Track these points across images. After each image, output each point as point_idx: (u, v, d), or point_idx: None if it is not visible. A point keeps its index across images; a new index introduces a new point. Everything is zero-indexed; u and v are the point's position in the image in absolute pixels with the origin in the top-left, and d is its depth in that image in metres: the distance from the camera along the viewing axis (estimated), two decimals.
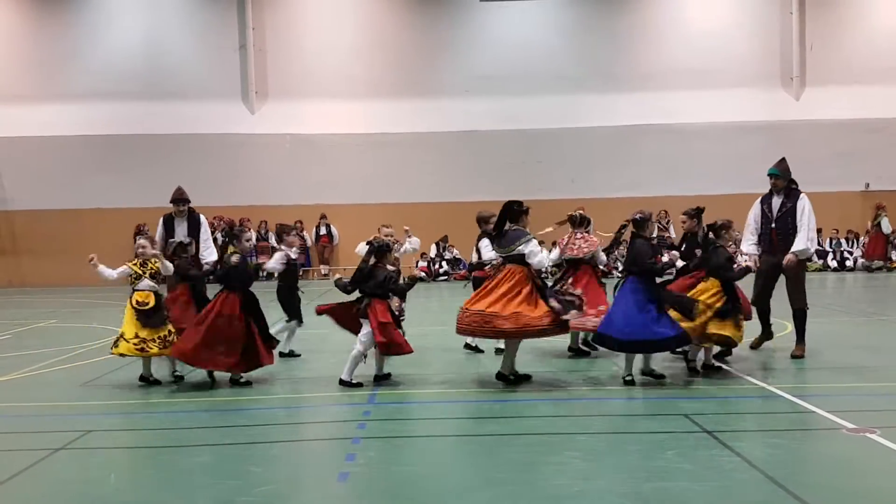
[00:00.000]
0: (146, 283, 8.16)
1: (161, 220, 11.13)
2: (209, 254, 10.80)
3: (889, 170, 23.48)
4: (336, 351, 9.65)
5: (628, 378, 7.57)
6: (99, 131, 23.50)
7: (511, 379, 7.71)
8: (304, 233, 23.76)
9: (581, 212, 9.43)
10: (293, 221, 23.70)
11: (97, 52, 23.96)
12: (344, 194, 23.21)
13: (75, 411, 7.19)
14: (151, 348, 7.93)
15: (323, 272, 23.83)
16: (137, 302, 8.05)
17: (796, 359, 8.75)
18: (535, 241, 7.59)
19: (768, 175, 9.33)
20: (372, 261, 7.83)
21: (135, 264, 8.20)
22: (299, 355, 9.63)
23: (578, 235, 9.18)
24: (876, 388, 7.38)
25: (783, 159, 9.46)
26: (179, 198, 11.25)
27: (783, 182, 9.21)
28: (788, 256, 8.80)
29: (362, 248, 8.21)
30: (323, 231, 23.64)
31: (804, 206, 9.00)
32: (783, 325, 11.31)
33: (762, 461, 5.13)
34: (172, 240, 10.58)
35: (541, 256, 7.61)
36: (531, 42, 24.16)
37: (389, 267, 7.96)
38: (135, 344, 7.90)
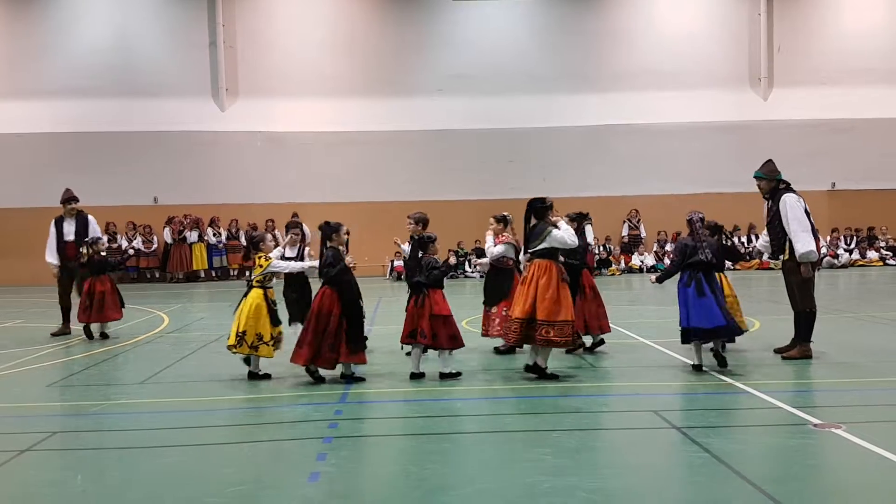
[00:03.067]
0: (274, 279, 8.12)
1: (53, 221, 11.91)
2: (94, 242, 11.60)
3: (855, 170, 23.91)
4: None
5: (698, 364, 8.08)
6: (67, 129, 23.22)
7: (548, 374, 7.80)
8: (276, 231, 23.64)
9: (506, 213, 9.53)
10: (264, 220, 23.62)
11: (65, 48, 23.64)
12: (316, 193, 23.14)
13: (41, 412, 7.09)
14: (279, 346, 7.98)
15: None
16: (273, 301, 7.99)
17: (789, 360, 8.55)
18: (556, 230, 7.75)
19: (754, 178, 8.96)
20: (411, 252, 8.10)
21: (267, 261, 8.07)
22: None
23: (502, 236, 9.29)
24: (842, 384, 7.50)
25: (769, 161, 9.01)
26: (72, 197, 12.01)
27: (767, 184, 8.83)
28: (803, 268, 8.50)
29: (406, 248, 8.52)
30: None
31: (786, 206, 8.55)
32: (751, 321, 11.47)
33: (730, 457, 5.19)
34: (89, 238, 10.83)
35: (569, 239, 7.76)
36: (503, 42, 24.25)
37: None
38: (271, 344, 7.89)
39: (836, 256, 23.67)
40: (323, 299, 7.70)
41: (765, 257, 21.79)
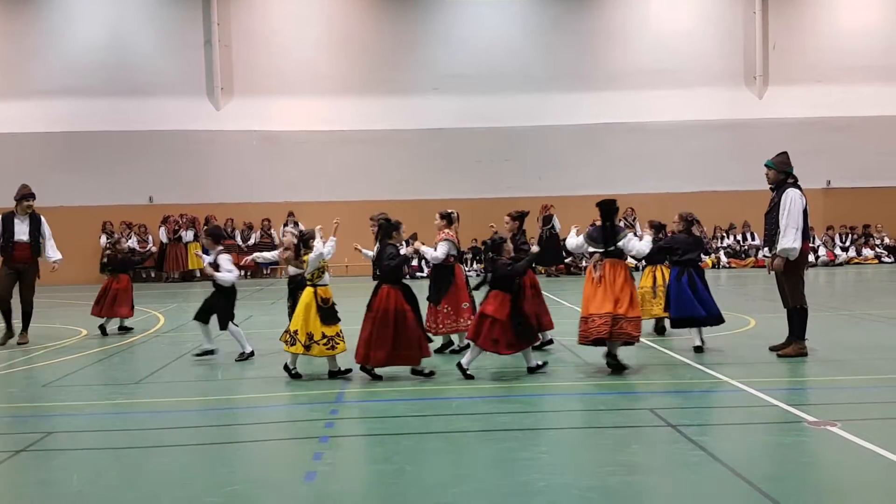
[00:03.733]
0: (327, 276, 8.03)
1: (0, 217, 10.93)
2: (54, 252, 11.00)
3: (850, 168, 23.95)
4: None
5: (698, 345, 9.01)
6: (61, 128, 23.16)
7: (624, 365, 8.06)
8: (272, 230, 23.63)
9: (451, 211, 9.61)
10: (260, 219, 23.59)
11: (59, 48, 23.58)
12: (311, 192, 23.11)
13: (37, 412, 7.08)
14: (339, 344, 7.83)
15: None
16: (323, 299, 7.87)
17: (785, 357, 8.57)
18: (630, 234, 8.34)
19: (765, 165, 8.97)
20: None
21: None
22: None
23: (443, 234, 9.34)
24: (837, 382, 7.51)
25: (783, 153, 8.95)
26: (31, 194, 11.01)
27: (774, 174, 8.80)
28: (776, 261, 8.58)
29: (370, 253, 8.49)
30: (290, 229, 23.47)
31: (786, 200, 8.52)
32: (746, 320, 11.50)
33: (725, 455, 5.20)
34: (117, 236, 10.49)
35: (639, 245, 8.31)
36: (499, 41, 24.25)
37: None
38: (325, 344, 7.77)
39: (835, 257, 23.70)
40: (388, 298, 7.71)
41: (760, 254, 21.70)
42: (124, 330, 11.93)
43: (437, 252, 9.09)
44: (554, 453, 5.42)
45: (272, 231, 23.60)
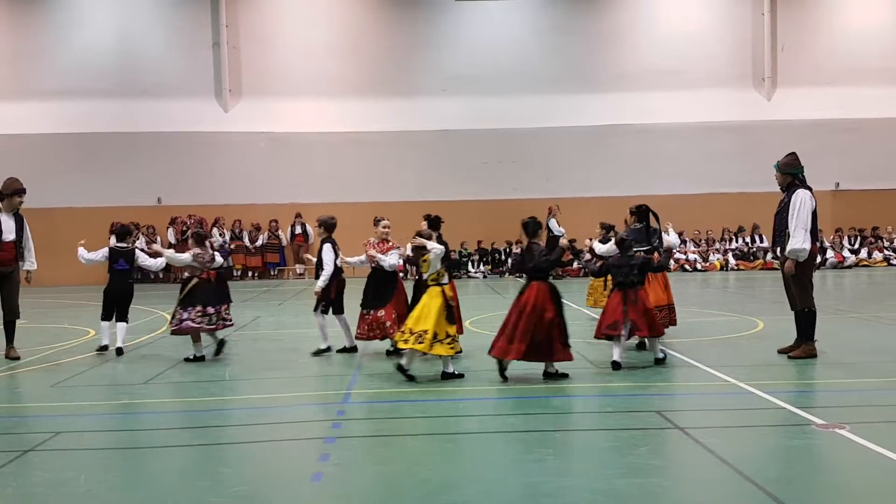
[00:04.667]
0: (446, 277, 8.07)
1: None
2: (30, 252, 9.94)
3: (859, 169, 23.85)
4: (303, 352, 9.63)
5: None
6: (71, 130, 23.27)
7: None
8: (280, 232, 23.66)
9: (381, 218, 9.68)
10: (268, 221, 23.63)
11: (69, 49, 23.69)
12: (319, 193, 23.12)
13: (45, 412, 7.10)
14: (457, 343, 7.89)
15: (298, 271, 23.72)
16: (450, 298, 7.92)
17: (795, 359, 8.57)
18: (667, 235, 9.90)
19: (773, 167, 9.01)
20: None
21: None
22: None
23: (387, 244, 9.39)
24: (846, 385, 7.48)
25: (792, 153, 8.98)
26: (23, 189, 9.83)
27: (782, 176, 8.84)
28: (787, 263, 8.62)
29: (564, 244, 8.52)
30: (298, 230, 23.54)
31: (796, 201, 8.54)
32: (754, 322, 11.46)
33: (733, 457, 5.18)
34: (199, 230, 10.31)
35: (673, 238, 10.07)
36: (506, 42, 24.24)
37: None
38: (448, 343, 7.77)
39: (843, 259, 23.61)
40: (538, 294, 7.71)
41: (769, 256, 21.64)
42: None
43: (391, 260, 9.19)
44: (561, 455, 5.41)
45: (280, 232, 23.64)
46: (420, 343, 7.65)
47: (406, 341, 7.75)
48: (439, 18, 24.56)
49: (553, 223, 20.64)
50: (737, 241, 24.14)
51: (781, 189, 8.92)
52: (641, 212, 9.58)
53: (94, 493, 4.88)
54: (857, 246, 24.22)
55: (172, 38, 24.08)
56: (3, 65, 23.58)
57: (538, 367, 7.92)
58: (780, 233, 8.75)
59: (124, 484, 5.07)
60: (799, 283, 8.67)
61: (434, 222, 9.25)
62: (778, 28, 24.56)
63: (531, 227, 8.06)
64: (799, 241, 8.45)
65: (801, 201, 8.53)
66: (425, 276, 8.04)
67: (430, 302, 7.81)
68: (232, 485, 4.90)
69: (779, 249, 8.91)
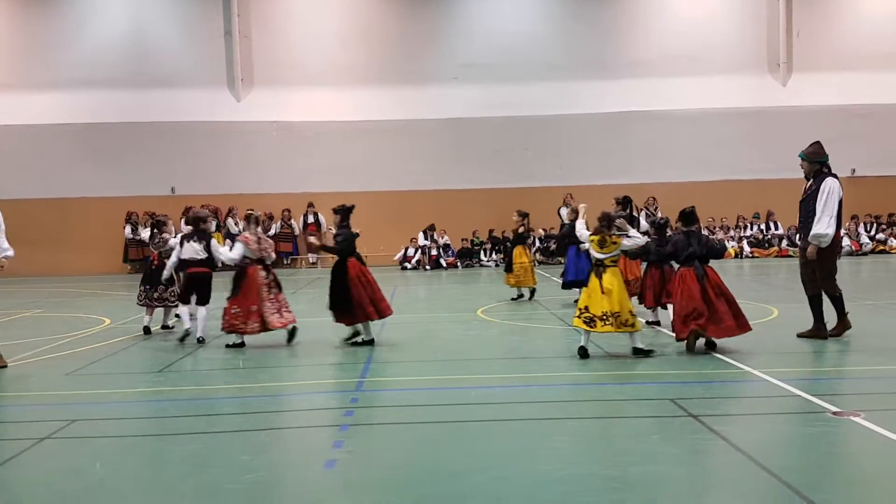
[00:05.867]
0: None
1: None
2: (6, 245, 9.30)
3: (875, 155, 23.62)
4: (316, 340, 9.66)
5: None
6: (84, 120, 23.35)
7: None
8: (292, 221, 23.70)
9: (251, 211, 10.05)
10: (280, 209, 23.67)
11: (82, 40, 23.76)
12: (331, 182, 23.11)
13: (60, 400, 7.15)
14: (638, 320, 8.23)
15: (311, 260, 23.78)
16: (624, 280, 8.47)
17: (835, 337, 8.89)
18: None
19: (798, 156, 9.09)
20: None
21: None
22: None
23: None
24: (861, 372, 7.43)
25: (816, 142, 9.06)
26: None
27: (809, 165, 8.93)
28: (809, 248, 8.73)
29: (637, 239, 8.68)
30: (310, 219, 23.56)
31: (825, 188, 8.67)
32: (769, 309, 11.40)
33: (747, 445, 5.16)
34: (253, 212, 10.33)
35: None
36: (519, 30, 24.11)
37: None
38: (631, 323, 8.02)
39: (860, 247, 23.41)
40: (714, 275, 8.28)
41: (784, 244, 21.55)
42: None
43: (232, 254, 9.53)
44: (575, 443, 5.40)
45: (292, 221, 23.68)
46: (607, 325, 7.92)
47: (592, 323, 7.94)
48: (450, 6, 24.46)
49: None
50: (751, 229, 23.98)
51: (807, 177, 8.99)
52: (626, 201, 11.19)
53: (109, 480, 4.92)
54: (873, 232, 24.02)
55: (184, 28, 24.11)
56: (17, 56, 23.69)
57: (542, 351, 7.89)
58: (807, 220, 8.81)
59: (139, 471, 5.10)
60: (823, 268, 8.76)
61: (625, 202, 11.15)
62: (793, 13, 24.30)
63: (692, 216, 8.48)
64: (823, 226, 8.58)
65: (830, 189, 8.66)
66: (602, 256, 8.11)
67: (616, 282, 8.03)
68: (246, 471, 4.93)
69: (804, 236, 8.95)
